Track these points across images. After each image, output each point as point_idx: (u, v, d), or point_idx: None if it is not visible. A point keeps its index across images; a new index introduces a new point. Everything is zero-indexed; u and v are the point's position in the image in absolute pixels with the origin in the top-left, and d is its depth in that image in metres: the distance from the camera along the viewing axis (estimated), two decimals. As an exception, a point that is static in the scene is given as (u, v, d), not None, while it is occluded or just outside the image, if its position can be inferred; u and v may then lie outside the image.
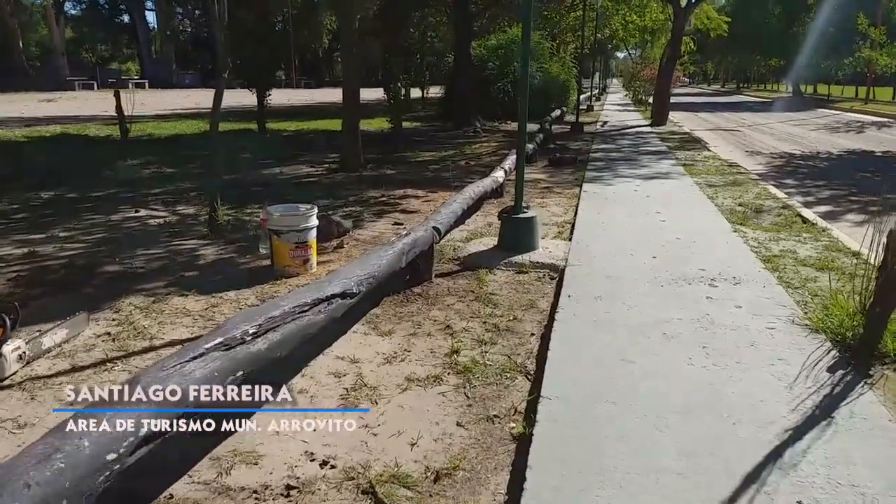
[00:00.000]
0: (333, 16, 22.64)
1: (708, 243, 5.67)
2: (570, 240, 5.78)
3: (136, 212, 7.04)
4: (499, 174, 7.56)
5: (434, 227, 4.64)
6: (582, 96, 28.68)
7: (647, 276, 4.68)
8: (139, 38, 62.14)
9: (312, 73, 61.80)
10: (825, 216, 7.39)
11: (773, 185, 9.57)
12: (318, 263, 5.02)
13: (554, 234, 6.11)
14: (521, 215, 5.25)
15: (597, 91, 45.10)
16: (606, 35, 36.17)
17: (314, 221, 4.78)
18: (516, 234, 5.26)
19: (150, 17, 63.14)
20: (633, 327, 3.70)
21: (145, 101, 29.26)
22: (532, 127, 16.87)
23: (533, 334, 3.74)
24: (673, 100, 22.32)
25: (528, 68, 5.24)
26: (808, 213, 7.12)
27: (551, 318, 3.87)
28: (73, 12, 66.51)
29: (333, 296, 2.86)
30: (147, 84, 53.32)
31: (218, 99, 5.94)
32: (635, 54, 44.83)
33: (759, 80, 69.65)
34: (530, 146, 10.72)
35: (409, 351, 3.47)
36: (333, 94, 28.76)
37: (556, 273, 4.86)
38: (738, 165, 11.08)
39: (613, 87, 67.63)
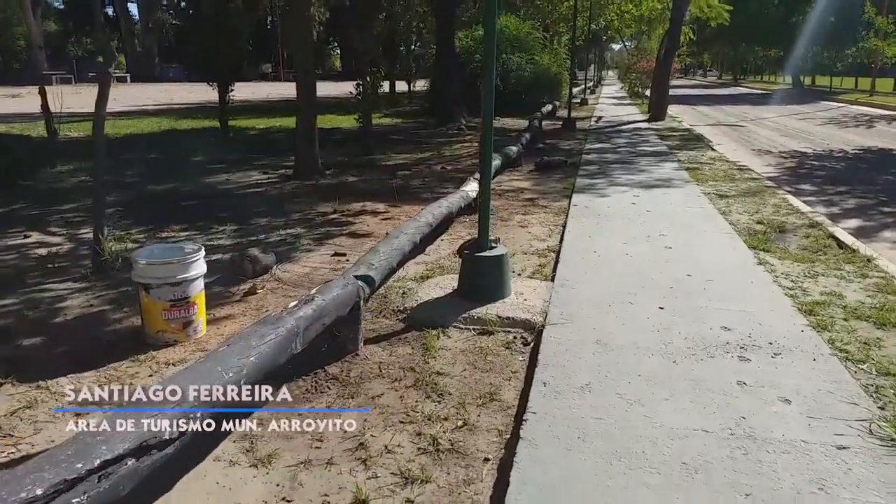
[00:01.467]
0: (322, 6, 21.30)
1: (728, 284, 4.43)
2: (552, 279, 4.52)
3: (25, 237, 5.76)
4: (471, 187, 6.30)
5: (362, 278, 3.37)
6: (576, 89, 27.41)
7: (653, 343, 3.43)
8: (122, 31, 60.49)
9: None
10: (857, 233, 6.20)
11: (789, 191, 8.36)
12: (213, 322, 3.76)
13: (533, 268, 4.85)
14: (487, 253, 3.99)
15: (591, 83, 43.78)
16: (601, 26, 34.89)
17: (200, 268, 3.51)
18: (481, 278, 4.00)
19: (134, 9, 61.50)
20: (636, 452, 2.45)
21: (117, 97, 27.86)
22: (522, 124, 15.60)
23: (488, 459, 2.49)
24: (670, 92, 21.03)
25: (494, 66, 3.98)
26: (843, 235, 5.89)
27: (517, 431, 2.62)
28: (56, 5, 64.86)
29: (109, 462, 1.60)
30: (129, 78, 51.83)
31: (103, 95, 4.65)
32: (630, 45, 43.56)
33: (755, 72, 68.33)
34: (514, 148, 9.46)
35: (288, 503, 2.22)
36: (320, 88, 27.41)
37: (532, 335, 3.61)
38: (748, 168, 9.84)
39: (608, 79, 66.29)
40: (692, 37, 22.41)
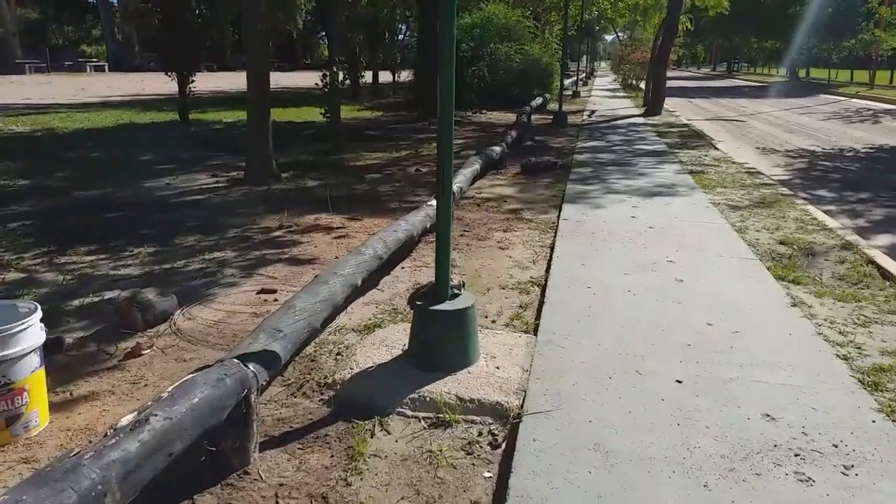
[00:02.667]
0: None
1: (760, 337, 3.43)
2: (535, 330, 3.51)
3: None
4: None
5: (257, 359, 2.35)
6: (567, 81, 26.37)
7: (672, 448, 2.42)
8: (102, 18, 58.68)
9: (287, 56, 58.70)
10: (893, 253, 5.23)
11: (805, 197, 7.43)
12: (66, 405, 2.72)
13: (512, 311, 3.83)
14: (447, 307, 2.96)
15: (584, 75, 42.72)
16: (594, 15, 33.88)
17: (31, 340, 2.47)
18: (438, 342, 2.98)
19: (115, -5, 59.56)
20: None
21: (85, 87, 26.60)
22: (509, 118, 14.56)
23: None
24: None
25: (452, 66, 2.93)
26: (885, 261, 4.90)
27: None
28: (34, -8, 62.96)
29: None
30: (107, 67, 50.25)
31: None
32: (624, 36, 42.58)
33: (749, 64, 67.45)
34: (497, 148, 8.44)
35: None
36: (305, 78, 26.20)
37: (504, 427, 2.60)
38: (758, 172, 8.87)
39: (601, 70, 65.26)
40: (689, 26, 21.37)
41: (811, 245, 5.31)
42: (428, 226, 4.75)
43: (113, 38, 56.37)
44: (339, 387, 2.88)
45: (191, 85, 12.34)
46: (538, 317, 3.67)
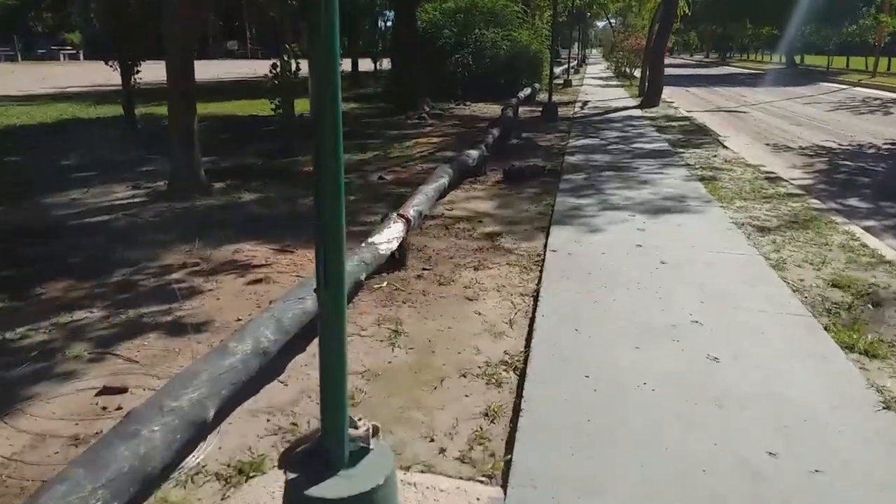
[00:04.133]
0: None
1: (854, 486, 2.19)
2: (503, 478, 2.24)
3: None
4: (391, 231, 3.97)
5: None
6: (558, 69, 25.06)
7: None
8: (78, 4, 56.69)
9: (270, 44, 56.99)
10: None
11: (834, 208, 6.28)
12: None
13: (471, 430, 2.54)
14: (338, 490, 1.67)
15: (575, 63, 41.33)
16: (585, 1, 32.56)
17: None
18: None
19: (89, -20, 57.45)
20: None
21: (46, 77, 25.08)
22: (495, 110, 13.28)
23: None
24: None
25: (337, 68, 1.62)
26: (980, 316, 3.67)
27: None
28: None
29: None
30: (82, 55, 48.39)
31: None
32: (616, 22, 41.31)
33: (742, 50, 66.16)
34: (474, 153, 7.15)
35: None
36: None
37: None
38: (779, 178, 7.62)
39: (592, 57, 63.85)
40: (687, 11, 20.06)
41: (873, 288, 4.07)
42: (363, 277, 3.46)
43: (90, 25, 54.39)
44: None
45: (136, 76, 10.90)
46: (510, 445, 2.40)
